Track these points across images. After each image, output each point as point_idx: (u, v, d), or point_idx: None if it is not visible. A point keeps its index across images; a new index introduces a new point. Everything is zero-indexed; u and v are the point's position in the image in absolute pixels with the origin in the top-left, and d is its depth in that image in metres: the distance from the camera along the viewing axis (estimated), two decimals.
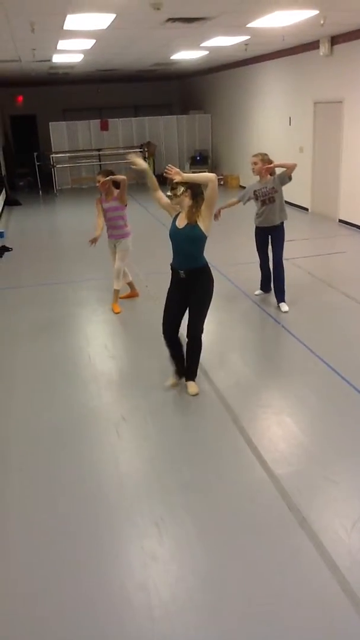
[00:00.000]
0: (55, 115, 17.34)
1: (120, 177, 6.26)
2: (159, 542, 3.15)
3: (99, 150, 16.92)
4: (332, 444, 3.99)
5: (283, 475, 3.65)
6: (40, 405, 4.70)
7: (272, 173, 6.16)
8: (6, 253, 9.67)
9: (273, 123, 13.07)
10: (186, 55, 11.86)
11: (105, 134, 17.16)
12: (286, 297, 6.45)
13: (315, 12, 7.29)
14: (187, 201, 4.24)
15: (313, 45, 10.54)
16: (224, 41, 9.79)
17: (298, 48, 11.20)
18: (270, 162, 6.14)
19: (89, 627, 2.68)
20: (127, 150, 16.67)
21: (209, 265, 4.47)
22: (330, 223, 10.79)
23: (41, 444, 4.16)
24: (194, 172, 4.70)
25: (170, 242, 4.45)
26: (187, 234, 4.29)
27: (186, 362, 4.74)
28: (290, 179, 6.07)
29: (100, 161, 16.88)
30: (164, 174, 4.18)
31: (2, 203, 13.93)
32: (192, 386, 4.73)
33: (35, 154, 16.39)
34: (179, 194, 4.22)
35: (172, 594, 2.82)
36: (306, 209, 11.66)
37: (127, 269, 6.79)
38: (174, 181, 4.15)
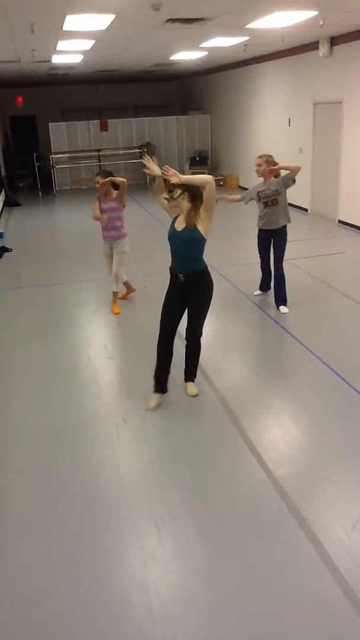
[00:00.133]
0: (55, 116, 17.35)
1: (120, 179, 6.23)
2: (159, 543, 3.15)
3: (98, 150, 16.93)
4: (332, 445, 3.99)
5: (283, 475, 3.65)
6: (40, 406, 4.70)
7: (276, 175, 6.11)
8: (6, 254, 9.67)
9: (272, 124, 13.08)
10: (186, 56, 11.87)
11: (105, 134, 17.17)
12: (285, 299, 6.45)
13: (314, 13, 7.29)
14: (185, 204, 4.19)
15: (312, 46, 10.55)
16: (224, 42, 9.80)
17: (297, 49, 11.21)
18: (275, 163, 6.09)
19: (89, 627, 2.68)
20: (126, 151, 16.88)
21: (209, 267, 4.45)
22: (329, 224, 10.79)
23: (41, 444, 4.16)
24: (193, 173, 4.65)
25: (168, 245, 4.43)
26: (185, 237, 4.23)
27: (185, 364, 4.73)
28: (294, 181, 6.01)
29: (99, 162, 16.89)
30: (162, 175, 4.15)
31: (2, 204, 13.93)
32: (191, 387, 4.73)
33: (34, 154, 16.38)
34: (175, 196, 4.17)
35: (172, 595, 2.82)
36: (305, 210, 11.67)
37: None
38: (171, 183, 4.10)
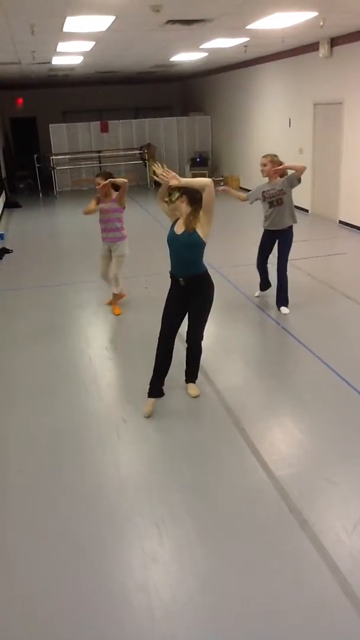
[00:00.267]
0: (55, 117, 17.37)
1: (121, 180, 6.16)
2: (159, 543, 3.15)
3: (99, 152, 16.95)
4: (332, 446, 3.99)
5: (283, 476, 3.64)
6: (41, 407, 4.70)
7: (282, 175, 6.05)
8: (6, 255, 9.68)
9: (273, 124, 13.08)
10: (186, 57, 11.88)
11: (105, 135, 17.18)
12: (287, 300, 6.45)
13: (314, 13, 7.30)
14: (184, 207, 4.16)
15: (313, 46, 10.56)
16: (224, 43, 9.81)
17: (298, 50, 11.22)
18: (280, 163, 6.03)
19: (89, 628, 2.68)
20: (127, 152, 16.89)
21: (210, 269, 4.42)
22: (330, 224, 10.79)
23: (41, 445, 4.16)
24: (193, 175, 4.61)
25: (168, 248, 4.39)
26: (185, 241, 4.19)
27: (187, 365, 4.73)
28: (299, 181, 5.96)
29: (100, 163, 16.90)
30: (159, 178, 4.12)
31: (2, 205, 13.94)
32: (192, 388, 4.72)
33: (35, 156, 16.40)
34: (174, 199, 4.14)
35: (172, 595, 2.82)
36: (306, 210, 11.66)
37: (110, 281, 6.64)
38: (170, 185, 4.05)
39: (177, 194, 4.14)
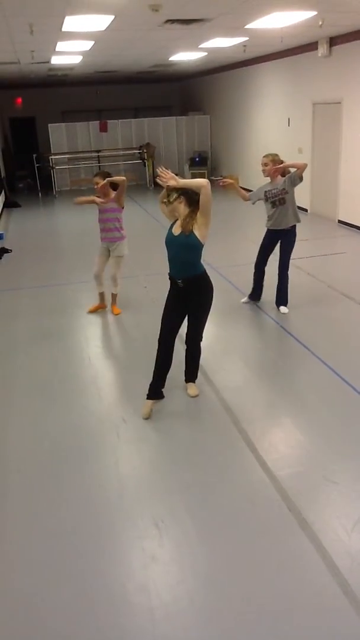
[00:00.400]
0: (55, 117, 17.37)
1: (119, 178, 6.11)
2: (159, 543, 3.15)
3: (98, 151, 16.94)
4: (332, 445, 3.99)
5: (283, 476, 3.65)
6: (40, 407, 4.70)
7: (283, 174, 6.00)
8: (5, 255, 9.68)
9: (272, 124, 13.08)
10: (185, 57, 11.87)
11: (105, 135, 17.18)
12: (287, 300, 6.44)
13: (313, 13, 7.30)
14: (182, 208, 4.14)
15: (311, 46, 10.56)
16: (223, 42, 9.81)
17: (296, 49, 11.22)
18: (281, 162, 5.98)
19: (89, 628, 2.68)
20: (126, 152, 16.89)
21: (209, 269, 4.41)
22: (329, 224, 10.80)
23: (41, 445, 4.16)
24: (192, 174, 4.58)
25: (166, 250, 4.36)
26: (182, 242, 4.17)
27: (186, 366, 4.73)
28: (301, 179, 5.91)
29: (99, 163, 16.90)
30: (157, 179, 4.09)
31: (2, 205, 13.93)
32: (192, 388, 4.73)
33: (34, 155, 16.39)
34: (172, 200, 4.13)
35: (172, 595, 2.82)
36: (305, 210, 11.66)
37: (101, 282, 6.55)
38: (167, 185, 4.03)
39: (175, 195, 4.12)
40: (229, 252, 8.81)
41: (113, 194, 6.16)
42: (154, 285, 7.25)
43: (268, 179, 6.12)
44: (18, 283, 8.13)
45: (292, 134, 12.04)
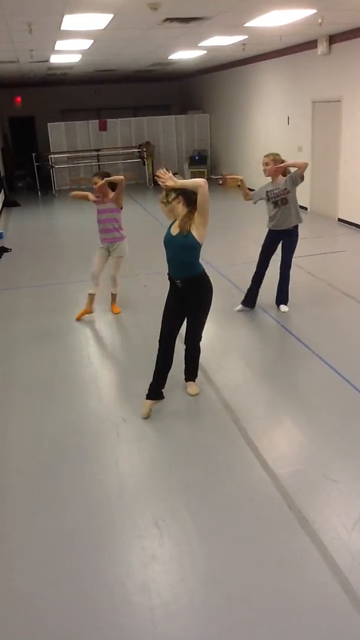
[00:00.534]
0: (54, 116, 17.35)
1: (117, 177, 6.06)
2: (159, 543, 3.15)
3: (97, 150, 16.93)
4: (332, 443, 3.98)
5: (283, 474, 3.64)
6: (40, 406, 4.70)
7: (284, 174, 5.95)
8: (5, 254, 9.67)
9: (271, 122, 13.07)
10: (184, 55, 11.86)
11: (104, 134, 17.17)
12: (287, 299, 6.43)
13: (312, 11, 7.29)
14: (180, 208, 4.13)
15: (311, 44, 10.54)
16: (222, 41, 9.80)
17: (296, 47, 11.20)
18: (282, 161, 5.93)
19: (89, 628, 2.68)
20: (125, 151, 16.88)
21: (209, 268, 4.40)
22: (329, 222, 10.79)
23: (41, 445, 4.16)
24: (192, 173, 4.57)
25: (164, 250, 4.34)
26: (179, 242, 4.16)
27: (185, 365, 4.72)
28: (302, 178, 5.85)
29: (99, 161, 16.89)
30: (155, 178, 4.07)
31: (1, 204, 13.93)
32: (192, 386, 4.72)
33: (33, 155, 16.38)
34: (170, 200, 4.11)
35: (172, 594, 2.82)
36: (305, 208, 11.65)
37: (98, 283, 6.39)
38: (165, 186, 4.02)
39: (173, 195, 4.11)
40: (229, 251, 8.80)
41: (111, 193, 6.14)
42: (153, 284, 7.24)
43: (269, 179, 6.05)
44: (17, 282, 8.12)
45: (292, 133, 12.03)
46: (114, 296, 6.66)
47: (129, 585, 2.88)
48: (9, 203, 14.66)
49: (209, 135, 17.61)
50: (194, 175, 15.06)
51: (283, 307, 6.39)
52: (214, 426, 4.28)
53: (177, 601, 2.78)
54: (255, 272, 6.32)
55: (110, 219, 6.21)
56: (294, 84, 11.82)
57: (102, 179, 6.01)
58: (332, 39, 9.94)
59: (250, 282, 6.40)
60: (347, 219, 10.44)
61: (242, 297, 6.53)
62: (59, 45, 9.12)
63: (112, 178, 6.06)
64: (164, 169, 4.14)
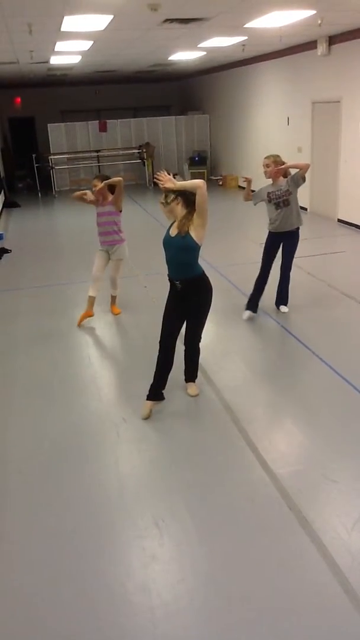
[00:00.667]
0: (54, 117, 17.36)
1: (116, 179, 6.05)
2: (159, 543, 3.15)
3: (97, 151, 16.94)
4: (332, 444, 3.99)
5: (283, 474, 3.65)
6: (41, 407, 4.70)
7: (285, 175, 5.91)
8: (5, 255, 9.68)
9: (271, 123, 13.08)
10: (184, 56, 11.87)
11: (104, 135, 17.17)
12: (287, 299, 6.43)
13: (312, 12, 7.29)
14: (179, 209, 4.13)
15: (310, 45, 10.55)
16: (222, 42, 9.80)
17: (295, 48, 11.21)
18: (283, 163, 5.87)
19: (89, 628, 2.68)
20: (125, 152, 16.88)
21: (209, 268, 4.41)
22: (329, 223, 10.80)
23: (41, 445, 4.16)
24: (192, 173, 4.57)
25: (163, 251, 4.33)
26: (178, 244, 4.16)
27: (185, 366, 4.72)
28: (304, 180, 5.83)
29: (99, 162, 16.90)
30: (154, 180, 4.08)
31: (1, 205, 13.94)
32: (192, 387, 4.73)
33: (33, 155, 16.38)
34: (169, 201, 4.12)
35: (172, 595, 2.82)
36: (305, 209, 11.64)
37: (96, 287, 6.33)
38: (164, 187, 4.02)
39: (172, 196, 4.12)
40: (228, 251, 8.80)
41: (110, 196, 6.12)
42: (153, 285, 7.24)
43: (269, 180, 5.99)
44: (18, 283, 8.13)
45: (292, 133, 12.03)
46: (113, 298, 6.67)
47: (129, 585, 2.88)
48: (9, 204, 14.67)
49: (209, 136, 17.62)
50: (193, 176, 15.07)
51: (283, 308, 6.39)
52: (214, 427, 4.28)
53: (177, 601, 2.78)
54: (260, 275, 6.23)
55: (110, 221, 6.19)
56: (293, 84, 11.83)
57: (102, 182, 6.01)
58: (332, 40, 9.95)
59: (253, 287, 6.27)
60: (346, 220, 10.45)
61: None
62: (59, 46, 9.13)
63: (110, 180, 6.05)
64: (164, 171, 4.15)
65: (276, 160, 5.88)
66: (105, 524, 3.32)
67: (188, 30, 8.19)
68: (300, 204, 6.15)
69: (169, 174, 4.10)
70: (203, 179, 4.28)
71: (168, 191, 4.11)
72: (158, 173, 4.10)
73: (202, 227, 4.13)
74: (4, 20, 6.69)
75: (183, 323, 4.47)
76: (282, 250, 6.22)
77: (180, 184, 4.06)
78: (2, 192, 14.69)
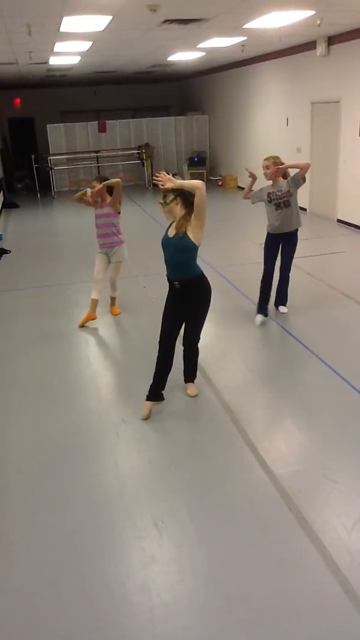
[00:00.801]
0: (53, 117, 17.36)
1: (113, 180, 6.04)
2: (159, 543, 3.15)
3: (96, 152, 16.94)
4: (331, 444, 3.99)
5: (283, 475, 3.65)
6: (40, 408, 4.70)
7: (284, 176, 5.88)
8: (4, 256, 9.68)
9: (270, 124, 13.08)
10: (183, 57, 11.88)
11: (103, 135, 17.18)
12: (286, 300, 6.43)
13: (311, 12, 7.30)
14: (178, 210, 4.13)
15: (310, 45, 10.56)
16: (221, 42, 9.81)
17: (295, 48, 11.22)
18: (282, 164, 5.82)
19: (89, 627, 2.68)
20: (125, 152, 16.89)
21: (208, 268, 4.41)
22: (328, 223, 10.80)
23: (41, 446, 4.16)
24: (191, 174, 4.56)
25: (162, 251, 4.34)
26: (176, 244, 4.16)
27: (184, 366, 4.72)
28: (304, 180, 5.80)
29: (98, 163, 16.90)
30: (153, 180, 4.07)
31: (0, 206, 13.93)
32: (191, 388, 4.72)
33: (33, 156, 16.38)
34: (168, 201, 4.11)
35: (172, 595, 2.82)
36: (304, 209, 11.65)
37: (98, 289, 6.30)
38: (163, 187, 4.02)
39: (171, 196, 4.12)
40: (227, 251, 8.80)
41: (109, 198, 6.10)
42: (153, 285, 7.25)
43: (268, 182, 5.96)
44: (17, 284, 8.13)
45: (291, 134, 12.04)
46: (113, 299, 6.67)
47: (129, 586, 2.88)
48: (8, 204, 14.66)
49: (208, 137, 17.63)
50: (193, 177, 15.07)
51: (282, 308, 6.40)
52: (214, 427, 4.28)
53: (177, 601, 2.78)
54: (264, 276, 6.17)
55: (108, 223, 6.18)
56: (292, 85, 11.83)
57: (100, 184, 6.00)
58: (331, 40, 9.96)
59: (259, 290, 6.20)
60: (346, 220, 10.45)
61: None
62: (58, 47, 9.14)
63: (108, 182, 6.04)
64: (164, 171, 4.15)
65: (276, 162, 5.84)
66: (105, 524, 3.32)
67: (187, 30, 8.20)
68: (300, 204, 6.14)
69: (169, 174, 4.10)
70: (202, 179, 4.27)
71: (167, 191, 4.11)
72: (157, 174, 4.10)
73: (200, 229, 4.13)
74: (2, 21, 6.69)
75: (182, 323, 4.47)
76: (281, 251, 6.19)
77: (179, 182, 4.06)
78: (2, 193, 14.69)
